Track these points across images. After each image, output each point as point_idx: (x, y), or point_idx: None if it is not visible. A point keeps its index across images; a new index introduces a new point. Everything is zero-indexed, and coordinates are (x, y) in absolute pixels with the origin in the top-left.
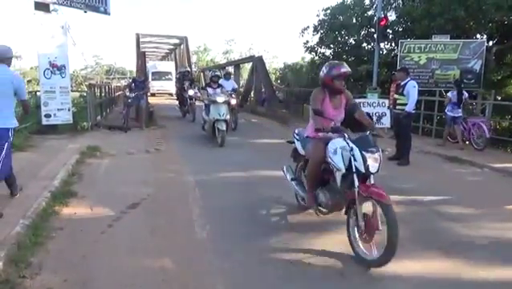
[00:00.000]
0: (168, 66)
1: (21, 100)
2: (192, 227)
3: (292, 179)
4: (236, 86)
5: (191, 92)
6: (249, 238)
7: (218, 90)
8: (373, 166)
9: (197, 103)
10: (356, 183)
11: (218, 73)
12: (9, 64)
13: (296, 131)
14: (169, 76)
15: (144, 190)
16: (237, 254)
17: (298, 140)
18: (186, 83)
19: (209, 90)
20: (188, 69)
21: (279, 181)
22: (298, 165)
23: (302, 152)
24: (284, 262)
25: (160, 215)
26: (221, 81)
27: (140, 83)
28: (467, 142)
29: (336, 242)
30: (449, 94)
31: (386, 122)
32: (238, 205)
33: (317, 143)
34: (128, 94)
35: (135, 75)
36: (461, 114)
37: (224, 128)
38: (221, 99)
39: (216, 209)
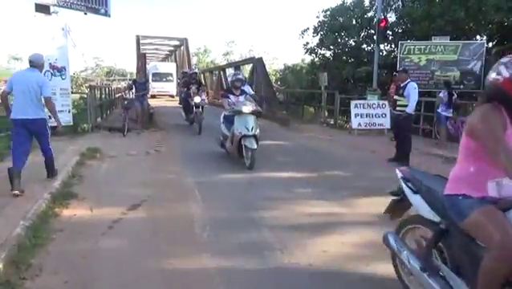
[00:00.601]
0: (170, 67)
1: (45, 97)
2: (192, 228)
3: (423, 269)
4: (253, 92)
5: (197, 99)
6: (250, 239)
7: (242, 97)
8: None
9: (207, 107)
10: None
11: (241, 76)
12: (41, 70)
13: (403, 174)
14: (170, 78)
15: (144, 192)
16: (237, 254)
17: (415, 191)
18: (192, 88)
19: (232, 97)
20: (196, 70)
21: (280, 182)
22: (402, 230)
23: (432, 216)
24: (285, 262)
25: (160, 216)
26: None
27: (140, 84)
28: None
29: (338, 243)
30: (440, 94)
31: (386, 123)
32: (239, 207)
33: (497, 214)
34: (125, 96)
35: (135, 76)
36: (451, 114)
37: (254, 147)
38: (247, 108)
39: (216, 210)
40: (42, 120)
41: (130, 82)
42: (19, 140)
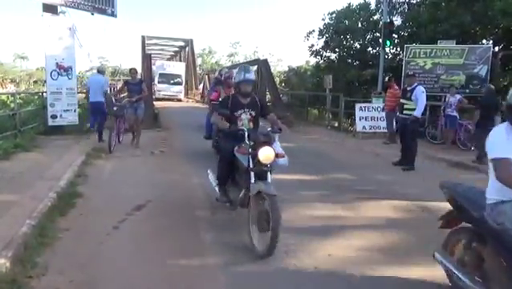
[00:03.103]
0: (178, 67)
1: (104, 90)
2: (196, 229)
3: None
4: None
5: (266, 155)
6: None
7: None
8: None
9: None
10: None
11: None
12: (103, 74)
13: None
14: (179, 79)
15: (149, 192)
16: (242, 257)
17: None
18: (243, 118)
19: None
20: (253, 77)
21: (284, 184)
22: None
23: None
24: (290, 266)
25: (164, 217)
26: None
27: (134, 86)
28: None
29: (343, 246)
30: (457, 96)
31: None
32: (243, 209)
33: None
34: (113, 100)
35: (140, 76)
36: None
37: None
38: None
39: (221, 211)
40: (102, 102)
41: (120, 83)
42: (93, 113)
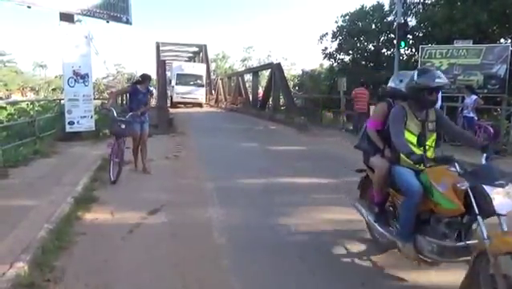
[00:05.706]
0: (199, 68)
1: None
2: (211, 233)
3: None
4: None
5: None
6: (270, 245)
7: None
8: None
9: None
10: None
11: None
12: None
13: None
14: (199, 81)
15: (164, 196)
16: (257, 260)
17: None
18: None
19: None
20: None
21: (299, 188)
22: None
23: None
24: (304, 270)
25: (179, 221)
26: None
27: (143, 95)
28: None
29: (360, 250)
30: (473, 97)
31: None
32: (258, 212)
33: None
34: (114, 114)
35: (155, 82)
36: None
37: None
38: None
39: (235, 215)
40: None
41: (124, 87)
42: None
